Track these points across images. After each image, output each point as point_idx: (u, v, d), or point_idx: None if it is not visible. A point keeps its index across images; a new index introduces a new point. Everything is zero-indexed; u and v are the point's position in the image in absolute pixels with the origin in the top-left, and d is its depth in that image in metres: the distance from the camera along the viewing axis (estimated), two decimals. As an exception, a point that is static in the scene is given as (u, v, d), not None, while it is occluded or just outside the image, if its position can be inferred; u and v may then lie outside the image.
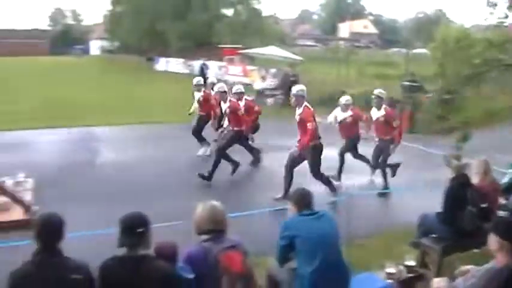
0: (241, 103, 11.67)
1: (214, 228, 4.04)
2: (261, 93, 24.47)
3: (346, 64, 29.13)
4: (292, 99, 9.27)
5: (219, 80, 15.20)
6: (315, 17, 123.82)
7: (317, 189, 8.08)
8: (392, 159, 10.53)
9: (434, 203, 6.38)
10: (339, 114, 10.81)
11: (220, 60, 34.88)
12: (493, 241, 3.70)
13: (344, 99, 10.89)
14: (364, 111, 11.07)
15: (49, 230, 3.46)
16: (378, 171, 10.52)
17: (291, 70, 24.62)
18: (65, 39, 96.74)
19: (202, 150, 12.87)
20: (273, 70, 27.13)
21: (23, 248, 6.27)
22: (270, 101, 23.76)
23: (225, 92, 11.28)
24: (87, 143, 14.24)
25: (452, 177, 6.20)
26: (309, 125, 8.91)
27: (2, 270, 3.74)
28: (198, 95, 13.05)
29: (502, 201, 7.01)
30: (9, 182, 9.51)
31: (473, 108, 18.77)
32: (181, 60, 43.58)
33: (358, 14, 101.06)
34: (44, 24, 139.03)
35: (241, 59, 31.15)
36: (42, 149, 13.53)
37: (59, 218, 3.55)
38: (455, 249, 6.13)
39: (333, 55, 37.38)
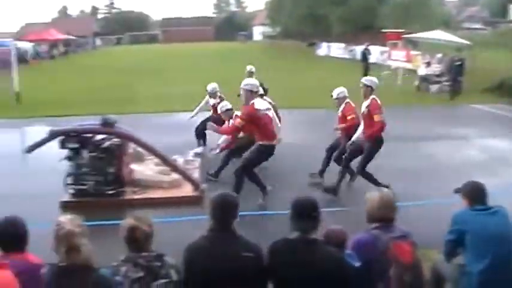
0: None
1: (385, 216, 3.96)
2: (424, 80, 23.56)
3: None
4: (362, 90, 8.70)
5: (380, 66, 14.79)
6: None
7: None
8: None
9: None
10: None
11: (383, 45, 34.07)
12: None
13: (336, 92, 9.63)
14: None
15: (225, 209, 3.60)
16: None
17: (457, 55, 23.39)
18: (230, 25, 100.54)
19: (198, 149, 11.84)
20: (438, 55, 25.94)
21: (194, 223, 6.71)
22: (433, 88, 22.81)
23: (229, 109, 10.37)
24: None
25: None
26: (376, 118, 8.32)
27: (175, 243, 3.97)
28: (213, 102, 12.14)
29: None
30: (180, 160, 10.15)
31: None
32: (342, 45, 43.29)
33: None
34: (209, 11, 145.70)
35: (404, 44, 30.15)
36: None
37: (235, 197, 3.68)
38: None
39: (503, 39, 34.88)
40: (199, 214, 6.46)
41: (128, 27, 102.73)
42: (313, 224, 3.58)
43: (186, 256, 3.64)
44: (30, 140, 9.69)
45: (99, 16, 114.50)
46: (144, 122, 14.93)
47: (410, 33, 29.71)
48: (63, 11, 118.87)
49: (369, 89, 8.65)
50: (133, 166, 9.79)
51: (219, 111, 10.51)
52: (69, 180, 9.05)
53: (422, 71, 24.26)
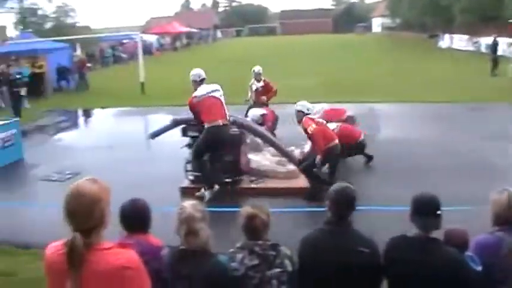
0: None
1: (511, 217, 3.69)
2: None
3: None
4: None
5: (508, 58, 14.00)
6: None
7: None
8: None
9: None
10: None
11: (511, 36, 32.07)
12: None
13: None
14: None
15: (343, 201, 3.53)
16: None
17: None
18: (348, 17, 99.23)
19: None
20: None
21: (310, 214, 6.73)
22: None
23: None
24: (368, 118, 14.34)
25: None
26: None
27: (290, 233, 3.98)
28: (255, 86, 13.08)
29: None
30: (296, 152, 10.18)
31: None
32: (466, 36, 41.29)
33: None
34: (327, 3, 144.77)
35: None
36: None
37: (353, 190, 3.60)
38: None
39: None
40: (315, 206, 6.47)
41: (247, 20, 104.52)
42: (436, 223, 3.40)
43: (301, 248, 3.62)
44: (153, 128, 10.19)
45: (220, 9, 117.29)
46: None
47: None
48: (186, 5, 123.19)
49: (301, 114, 8.82)
50: (251, 156, 9.94)
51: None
52: (189, 167, 9.37)
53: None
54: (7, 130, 12.12)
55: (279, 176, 9.46)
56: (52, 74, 25.27)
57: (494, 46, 26.37)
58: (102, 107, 19.78)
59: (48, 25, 71.78)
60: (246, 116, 11.50)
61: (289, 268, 3.47)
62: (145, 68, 23.15)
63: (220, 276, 3.25)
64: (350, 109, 11.91)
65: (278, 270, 3.42)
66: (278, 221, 4.02)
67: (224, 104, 8.68)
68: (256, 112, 11.34)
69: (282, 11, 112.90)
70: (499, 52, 26.64)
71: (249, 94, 13.43)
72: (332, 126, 9.51)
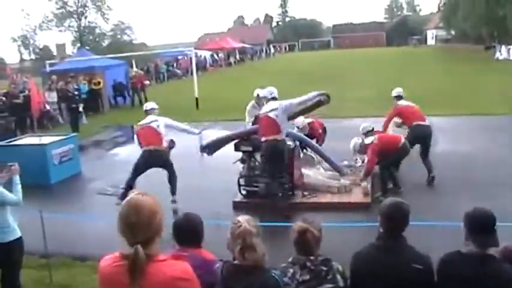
0: None
1: None
2: None
3: None
4: None
5: None
6: None
7: None
8: None
9: None
10: None
11: None
12: None
13: None
14: None
15: (396, 217, 3.45)
16: None
17: None
18: (401, 30, 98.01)
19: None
20: None
21: (362, 230, 6.64)
22: None
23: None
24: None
25: None
26: None
27: (343, 249, 3.95)
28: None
29: None
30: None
31: None
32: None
33: None
34: (380, 16, 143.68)
35: None
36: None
37: (407, 205, 3.51)
38: None
39: None
40: (369, 221, 6.38)
41: (301, 34, 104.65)
42: (494, 239, 3.30)
43: (353, 263, 3.59)
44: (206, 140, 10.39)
45: (273, 24, 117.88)
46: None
47: None
48: (239, 21, 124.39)
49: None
50: (304, 170, 9.93)
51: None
52: (242, 181, 9.44)
53: None
54: (66, 145, 12.53)
55: (332, 190, 9.41)
56: (109, 90, 25.94)
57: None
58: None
59: (105, 43, 74.16)
60: None
61: (341, 284, 3.44)
62: (200, 83, 23.47)
63: (273, 291, 3.24)
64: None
65: (330, 285, 3.40)
66: (330, 236, 3.99)
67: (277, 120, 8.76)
68: (301, 120, 10.78)
69: (335, 25, 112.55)
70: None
71: (247, 119, 11.29)
72: (370, 139, 9.39)
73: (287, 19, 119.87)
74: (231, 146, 9.92)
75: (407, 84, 23.12)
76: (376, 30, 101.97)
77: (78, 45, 69.33)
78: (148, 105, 10.33)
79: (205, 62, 51.16)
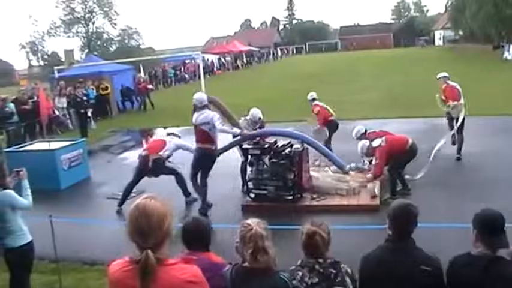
0: None
1: None
2: None
3: None
4: None
5: None
6: None
7: None
8: None
9: None
10: None
11: None
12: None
13: None
14: None
15: (404, 219, 3.45)
16: None
17: None
18: (409, 31, 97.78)
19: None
20: None
21: (371, 232, 6.62)
22: None
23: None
24: (428, 133, 14.04)
25: None
26: None
27: (351, 251, 3.94)
28: None
29: None
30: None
31: None
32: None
33: None
34: (387, 17, 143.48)
35: None
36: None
37: (416, 207, 3.50)
38: None
39: None
40: (377, 223, 6.37)
41: (308, 37, 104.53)
42: (504, 241, 3.26)
43: (362, 266, 3.58)
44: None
45: (280, 27, 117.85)
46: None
47: None
48: (246, 24, 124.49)
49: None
50: (312, 172, 9.93)
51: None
52: (250, 184, 9.44)
53: None
54: (74, 150, 12.58)
55: (341, 193, 9.39)
56: (116, 95, 26.05)
57: None
58: (165, 127, 20.15)
59: (113, 48, 74.44)
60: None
61: (350, 286, 3.44)
62: (207, 87, 23.47)
63: (282, 294, 3.24)
64: (416, 123, 11.67)
65: (338, 288, 3.39)
66: (339, 239, 3.99)
67: None
68: None
69: (342, 27, 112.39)
70: None
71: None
72: (377, 142, 9.36)
73: (294, 22, 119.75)
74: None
75: (415, 86, 23.04)
76: (384, 32, 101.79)
77: (86, 50, 69.74)
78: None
79: (212, 66, 51.27)
